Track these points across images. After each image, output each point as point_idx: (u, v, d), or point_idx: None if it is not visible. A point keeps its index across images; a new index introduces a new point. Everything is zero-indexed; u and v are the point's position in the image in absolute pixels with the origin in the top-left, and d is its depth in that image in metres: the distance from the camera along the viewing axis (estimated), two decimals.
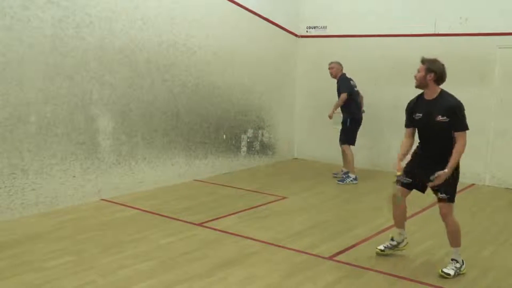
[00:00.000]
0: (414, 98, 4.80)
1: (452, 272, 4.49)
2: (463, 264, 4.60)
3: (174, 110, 7.55)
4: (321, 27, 9.66)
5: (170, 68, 7.41)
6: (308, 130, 9.94)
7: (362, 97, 8.47)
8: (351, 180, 8.10)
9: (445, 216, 4.56)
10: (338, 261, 4.76)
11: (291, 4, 9.77)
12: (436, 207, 6.84)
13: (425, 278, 4.41)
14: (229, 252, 4.90)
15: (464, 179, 8.26)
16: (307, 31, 9.82)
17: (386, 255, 4.93)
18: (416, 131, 4.80)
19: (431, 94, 4.62)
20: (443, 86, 4.76)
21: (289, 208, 6.55)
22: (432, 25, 8.48)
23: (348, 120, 8.20)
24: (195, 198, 6.88)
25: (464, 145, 4.44)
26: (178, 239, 5.22)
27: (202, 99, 7.99)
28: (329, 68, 8.26)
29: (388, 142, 9.08)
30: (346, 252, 4.99)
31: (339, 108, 8.27)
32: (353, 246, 5.16)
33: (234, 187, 7.59)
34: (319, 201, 6.99)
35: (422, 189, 4.81)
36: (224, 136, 8.53)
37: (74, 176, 6.28)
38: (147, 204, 6.44)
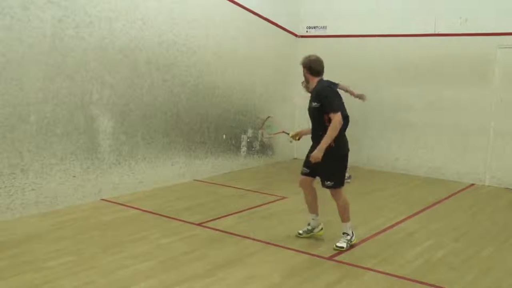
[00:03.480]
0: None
1: (344, 245, 5.03)
2: (353, 235, 5.14)
3: (174, 110, 7.55)
4: (321, 27, 9.67)
5: (170, 68, 7.41)
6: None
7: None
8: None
9: (334, 197, 5.09)
10: (338, 261, 4.75)
11: (291, 4, 9.77)
12: (436, 207, 6.88)
13: (425, 278, 4.41)
14: (229, 252, 4.90)
15: (464, 179, 8.36)
16: (307, 31, 9.82)
17: (304, 238, 5.32)
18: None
19: (312, 85, 5.10)
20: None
21: (289, 208, 6.55)
22: (432, 25, 8.49)
23: None
24: (195, 198, 6.87)
25: (336, 125, 4.79)
26: (178, 239, 5.22)
27: (202, 99, 7.99)
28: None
29: (387, 141, 9.10)
30: (346, 252, 4.98)
31: None
32: (353, 246, 5.16)
33: (234, 187, 7.59)
34: (319, 201, 6.97)
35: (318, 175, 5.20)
36: (224, 136, 8.53)
37: (74, 176, 6.28)
38: (147, 204, 6.44)
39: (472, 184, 8.22)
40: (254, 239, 5.27)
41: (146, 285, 4.11)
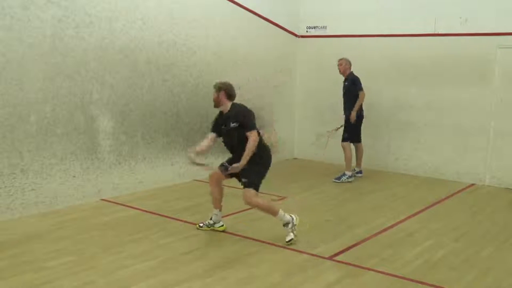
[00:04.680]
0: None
1: (292, 236, 5.11)
2: (292, 219, 5.17)
3: (174, 110, 7.55)
4: (321, 27, 9.66)
5: (170, 68, 7.41)
6: (308, 130, 9.93)
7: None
8: (347, 178, 8.12)
9: (249, 203, 5.07)
10: (338, 261, 4.76)
11: (291, 4, 9.77)
12: (436, 207, 6.87)
13: (425, 278, 4.41)
14: (229, 252, 4.91)
15: (464, 179, 8.36)
16: (307, 31, 9.81)
17: (205, 231, 5.47)
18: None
19: (225, 108, 5.30)
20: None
21: (289, 208, 6.54)
22: (432, 25, 8.48)
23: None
24: (195, 198, 6.87)
25: (254, 143, 5.10)
26: (178, 239, 5.22)
27: (202, 99, 7.97)
28: (338, 64, 8.23)
29: (387, 141, 9.09)
30: (346, 252, 4.99)
31: (342, 106, 8.31)
32: (353, 246, 5.16)
33: (234, 187, 7.56)
34: (319, 201, 6.99)
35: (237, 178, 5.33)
36: None
37: (74, 176, 6.28)
38: (147, 204, 6.44)
39: (472, 184, 8.22)
40: (254, 239, 5.27)
41: (146, 285, 4.12)
